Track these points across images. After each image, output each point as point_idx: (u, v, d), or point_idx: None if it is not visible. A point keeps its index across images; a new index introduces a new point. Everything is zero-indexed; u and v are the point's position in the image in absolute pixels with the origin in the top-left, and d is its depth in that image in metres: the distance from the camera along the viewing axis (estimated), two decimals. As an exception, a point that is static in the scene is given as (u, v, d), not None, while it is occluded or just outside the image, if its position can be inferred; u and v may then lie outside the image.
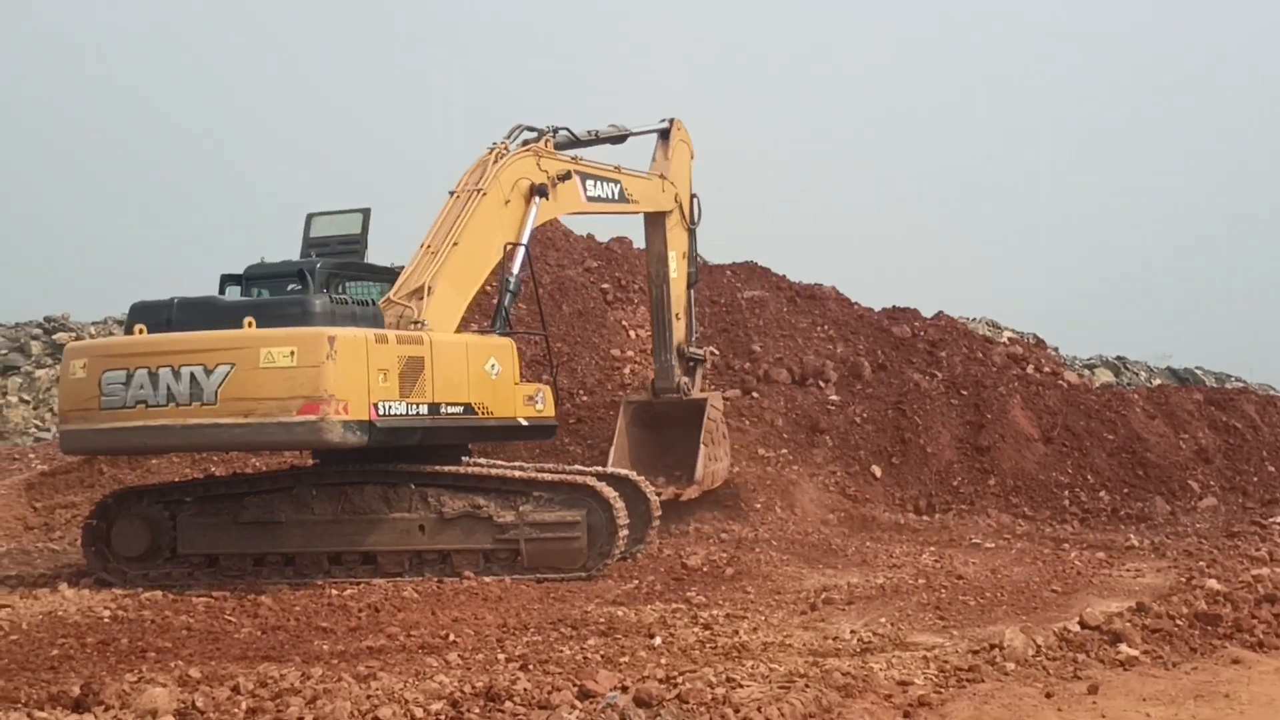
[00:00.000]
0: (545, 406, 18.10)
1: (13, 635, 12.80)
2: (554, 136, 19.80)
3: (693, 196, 22.98)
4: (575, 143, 20.39)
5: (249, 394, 15.27)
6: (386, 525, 16.59)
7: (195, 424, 15.45)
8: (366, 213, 18.28)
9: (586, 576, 16.39)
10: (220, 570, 16.73)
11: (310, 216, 18.42)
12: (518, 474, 17.14)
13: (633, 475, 18.95)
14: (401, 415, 15.93)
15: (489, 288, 19.71)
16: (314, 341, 15.30)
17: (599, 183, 20.29)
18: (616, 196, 20.74)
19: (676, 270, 22.59)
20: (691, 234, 23.02)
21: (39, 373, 42.45)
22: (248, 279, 17.38)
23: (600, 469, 19.12)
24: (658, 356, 22.78)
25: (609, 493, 16.79)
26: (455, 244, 17.60)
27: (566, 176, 19.42)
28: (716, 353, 26.70)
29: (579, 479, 17.05)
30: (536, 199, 18.72)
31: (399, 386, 15.91)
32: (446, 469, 16.92)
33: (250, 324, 15.50)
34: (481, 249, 17.99)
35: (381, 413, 15.65)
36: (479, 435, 18.04)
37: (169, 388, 15.49)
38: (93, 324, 45.99)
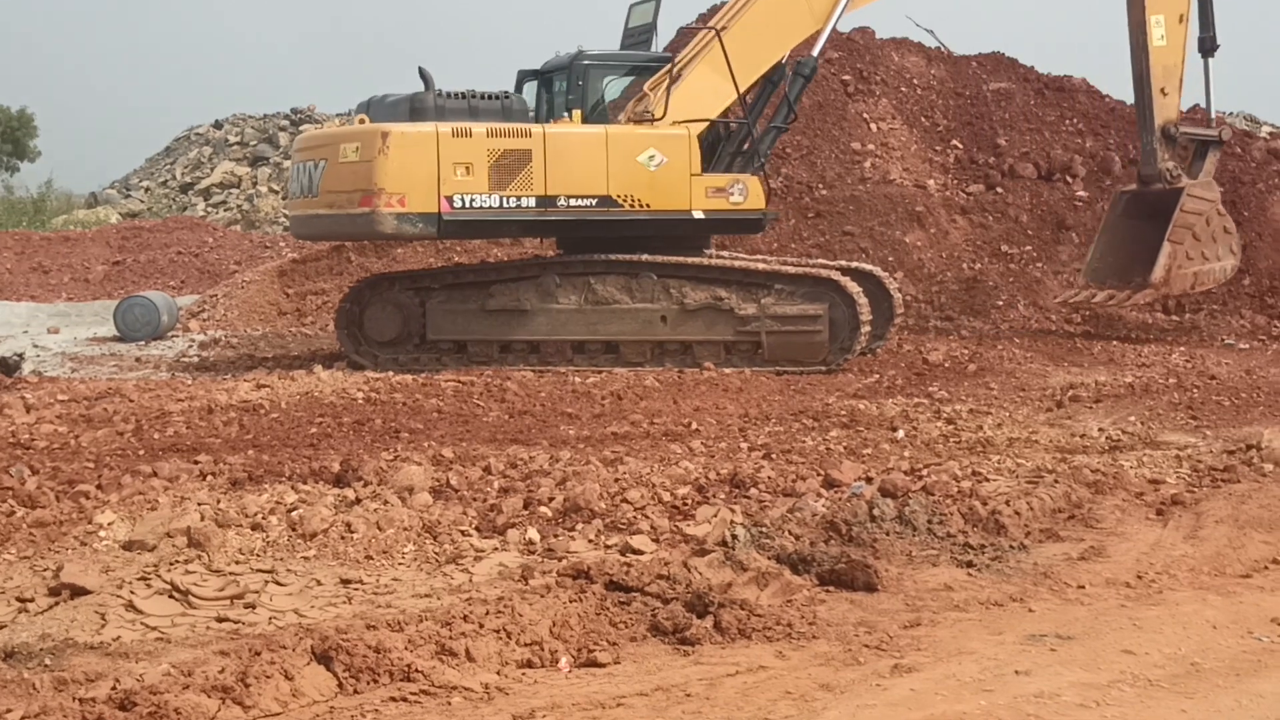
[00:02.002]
0: (747, 199, 17.44)
1: (273, 414, 13.29)
2: None
3: None
4: None
5: (332, 187, 16.50)
6: (629, 315, 16.83)
7: (309, 214, 16.93)
8: (658, 1, 18.25)
9: (827, 371, 16.36)
10: (468, 356, 17.12)
11: (631, 6, 18.80)
12: (760, 266, 17.09)
13: (876, 271, 18.76)
14: (492, 208, 16.48)
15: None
16: (370, 138, 16.30)
17: None
18: None
19: (1165, 38, 20.04)
20: None
21: (287, 163, 43.55)
22: (539, 75, 18.26)
23: (844, 263, 19.02)
24: (1141, 138, 20.89)
25: (852, 287, 16.63)
26: (724, 27, 17.54)
27: None
28: (960, 146, 26.02)
29: (822, 273, 16.92)
30: None
31: (490, 179, 16.38)
32: (689, 260, 16.97)
33: (362, 120, 16.57)
34: (769, 30, 17.64)
35: (458, 205, 16.31)
36: (634, 228, 17.33)
37: (305, 180, 16.90)
38: (337, 115, 46.85)
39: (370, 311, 17.36)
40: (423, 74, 17.08)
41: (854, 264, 19.26)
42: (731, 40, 17.34)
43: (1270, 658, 6.28)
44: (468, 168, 16.39)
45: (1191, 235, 20.00)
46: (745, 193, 17.35)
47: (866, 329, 16.74)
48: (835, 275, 16.84)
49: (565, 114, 17.42)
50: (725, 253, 18.98)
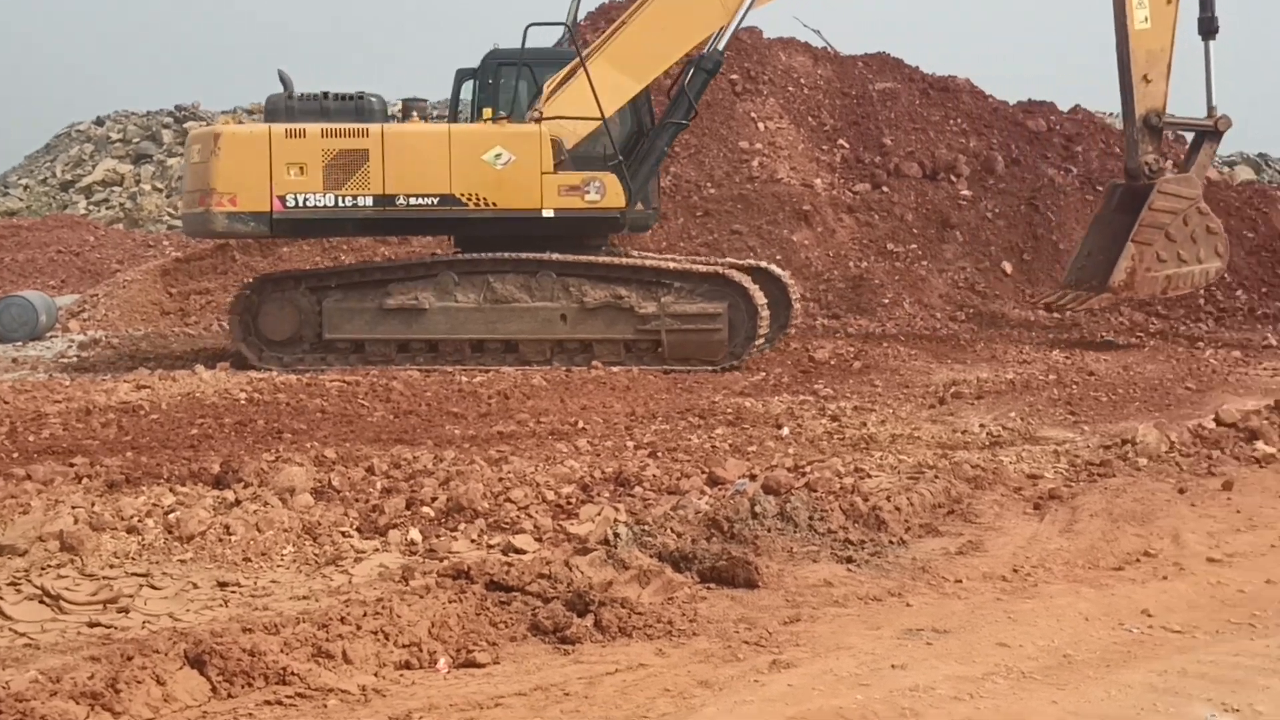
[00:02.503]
0: (605, 197, 17.10)
1: (153, 415, 13.11)
2: None
3: None
4: None
5: (185, 186, 17.72)
6: (528, 314, 16.82)
7: (183, 211, 18.34)
8: None
9: (727, 369, 16.41)
10: (365, 356, 17.01)
11: None
12: (660, 265, 17.13)
13: (774, 268, 18.88)
14: (326, 208, 16.76)
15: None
16: (206, 140, 17.01)
17: None
18: None
19: (1149, 20, 18.86)
20: None
21: (170, 161, 42.96)
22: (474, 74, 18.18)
23: (740, 261, 19.14)
24: (1125, 129, 20.06)
25: (750, 285, 16.71)
26: (625, 21, 17.59)
27: None
28: (846, 145, 26.24)
29: (721, 271, 16.98)
30: None
31: (324, 179, 16.69)
32: (586, 259, 17.02)
33: (226, 121, 16.79)
34: (675, 24, 17.48)
35: (290, 205, 16.70)
36: (478, 228, 17.47)
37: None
38: (222, 113, 46.26)
39: (265, 311, 17.19)
40: (281, 77, 17.44)
41: (751, 262, 19.38)
42: (634, 34, 17.32)
43: (1139, 648, 6.39)
44: (301, 168, 16.68)
45: (1164, 235, 18.96)
46: (602, 191, 17.06)
47: (765, 328, 16.83)
48: (734, 274, 16.90)
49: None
50: (643, 253, 19.03)
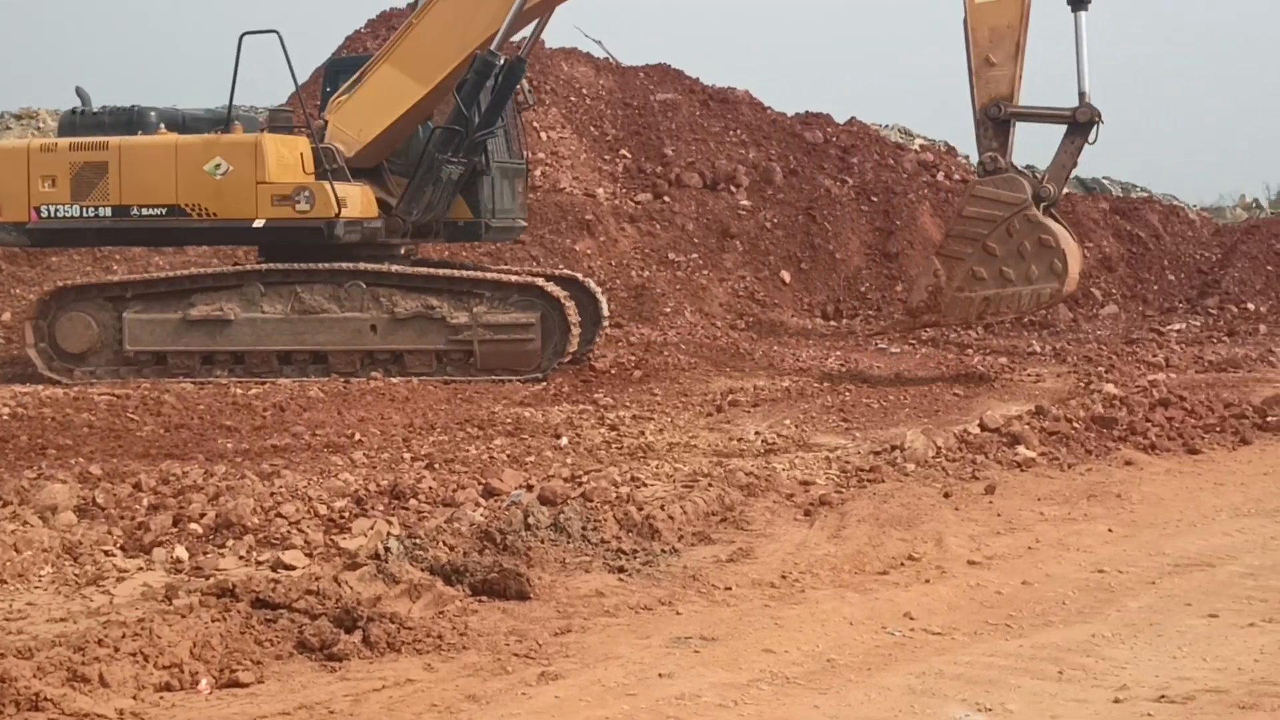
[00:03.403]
0: (314, 207, 16.54)
1: (-91, 432, 12.61)
2: None
3: None
4: None
5: None
6: (338, 325, 16.53)
7: None
8: None
9: (541, 379, 16.33)
10: (168, 369, 16.58)
11: None
12: (470, 275, 17.01)
13: (588, 282, 18.88)
14: (72, 218, 16.87)
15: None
16: None
17: None
18: None
19: None
20: None
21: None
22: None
23: (551, 271, 19.12)
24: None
25: (561, 294, 16.67)
26: (412, 22, 17.32)
27: None
28: (628, 155, 26.45)
29: (531, 280, 16.92)
30: None
31: (70, 191, 16.80)
32: (398, 269, 16.82)
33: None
34: (451, 26, 17.06)
35: (44, 215, 16.87)
36: (201, 238, 17.86)
37: None
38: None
39: (62, 324, 16.70)
40: (79, 93, 17.66)
41: (564, 272, 19.41)
42: (417, 37, 17.10)
43: (900, 651, 6.57)
44: (53, 180, 16.83)
45: (983, 249, 16.01)
46: (311, 200, 16.54)
47: (576, 335, 16.79)
48: (542, 283, 16.84)
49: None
50: (480, 265, 18.87)
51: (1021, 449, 11.41)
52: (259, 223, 16.66)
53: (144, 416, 13.61)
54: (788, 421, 13.51)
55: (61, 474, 10.22)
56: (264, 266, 17.14)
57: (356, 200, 16.91)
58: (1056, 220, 16.59)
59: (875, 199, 26.03)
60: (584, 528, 8.38)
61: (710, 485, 9.89)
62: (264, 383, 15.94)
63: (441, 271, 17.26)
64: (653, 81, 28.80)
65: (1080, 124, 16.29)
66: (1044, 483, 10.49)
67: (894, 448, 11.45)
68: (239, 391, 15.31)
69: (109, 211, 16.79)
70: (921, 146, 31.35)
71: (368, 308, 16.53)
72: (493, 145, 17.72)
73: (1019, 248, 15.84)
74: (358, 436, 12.51)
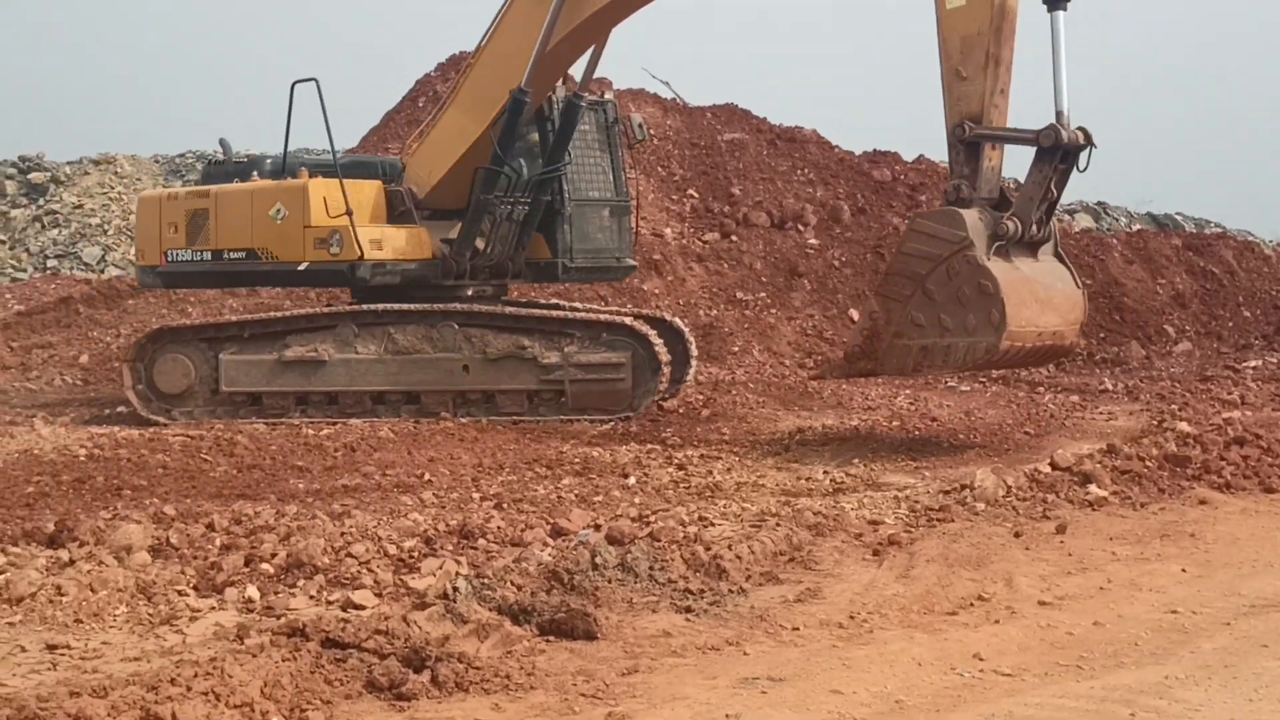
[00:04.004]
0: (343, 250, 16.78)
1: (-12, 473, 12.81)
2: None
3: None
4: None
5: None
6: (430, 365, 16.66)
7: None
8: None
9: (631, 417, 16.30)
10: (264, 409, 16.76)
11: None
12: (562, 315, 17.08)
13: (676, 321, 18.85)
14: (186, 261, 17.78)
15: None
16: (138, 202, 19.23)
17: None
18: None
19: None
20: None
21: (14, 213, 42.11)
22: None
23: (641, 310, 19.15)
24: None
25: (650, 333, 16.67)
26: (471, 63, 17.42)
27: None
28: (696, 195, 26.51)
29: (621, 319, 16.95)
30: None
31: (185, 236, 17.74)
32: (490, 309, 16.94)
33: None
34: (509, 62, 16.86)
35: (169, 259, 17.87)
36: (268, 280, 18.81)
37: None
38: (68, 164, 45.49)
39: (159, 365, 16.93)
40: (221, 143, 18.86)
41: (651, 312, 19.45)
42: (474, 76, 17.18)
43: (969, 692, 6.52)
44: (175, 226, 17.73)
45: (920, 290, 13.70)
46: (341, 244, 16.77)
47: (666, 373, 16.77)
48: (635, 322, 16.84)
49: None
50: (558, 302, 18.86)
51: (1093, 488, 11.30)
52: (302, 266, 17.04)
53: (217, 457, 13.77)
54: (856, 460, 13.46)
55: (136, 514, 10.35)
56: (358, 307, 17.28)
57: (399, 242, 17.08)
58: (1031, 260, 14.01)
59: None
60: (651, 567, 8.39)
61: (778, 525, 9.87)
62: (334, 423, 16.08)
63: (532, 311, 17.29)
64: (720, 121, 28.89)
65: (1046, 149, 13.62)
66: (1116, 522, 10.39)
67: (964, 487, 11.37)
68: (310, 432, 15.45)
69: (209, 255, 17.49)
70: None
71: (460, 348, 16.63)
72: (570, 183, 17.70)
73: (958, 293, 13.43)
74: (427, 476, 12.60)
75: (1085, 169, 13.95)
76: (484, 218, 17.20)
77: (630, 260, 19.00)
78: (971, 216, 13.51)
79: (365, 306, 17.18)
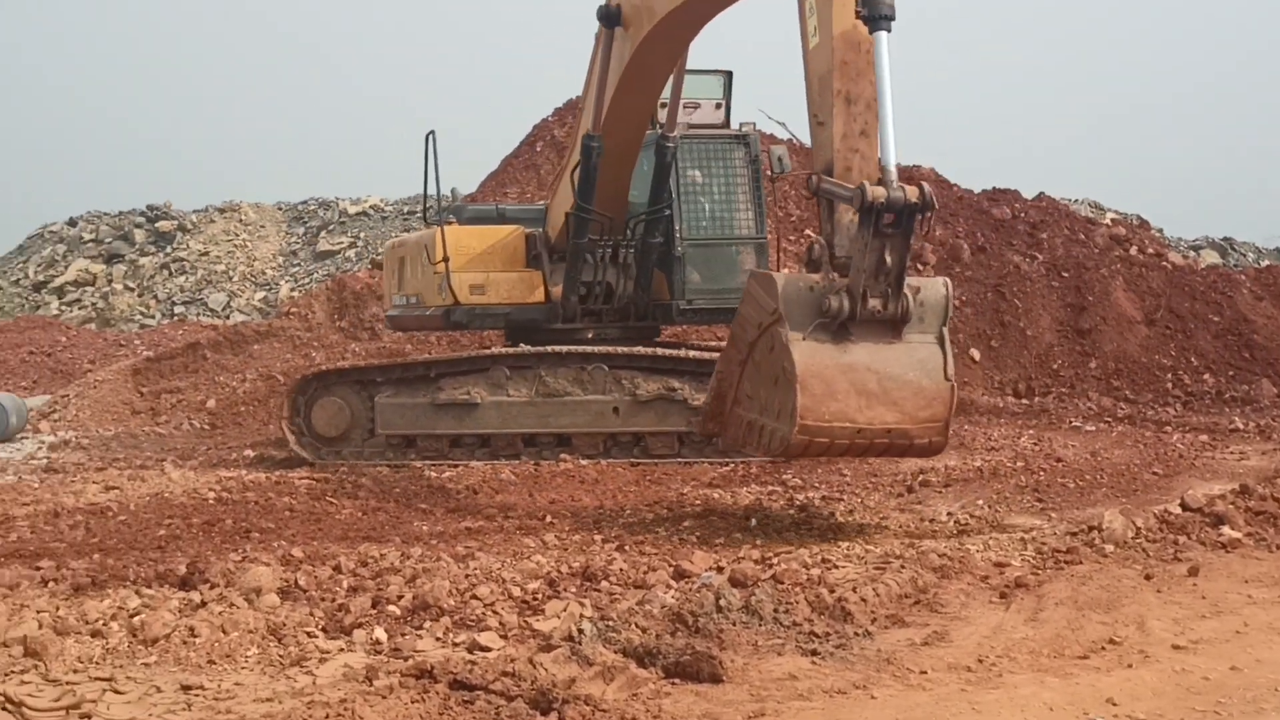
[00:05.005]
0: (443, 294, 17.31)
1: (120, 516, 13.07)
2: None
3: None
4: None
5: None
6: (581, 407, 16.77)
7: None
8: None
9: (784, 459, 16.12)
10: (418, 451, 16.95)
11: None
12: (710, 357, 16.95)
13: None
14: (398, 305, 18.94)
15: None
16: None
17: None
18: None
19: (815, 29, 11.78)
20: None
21: (143, 260, 43.12)
22: None
23: None
24: None
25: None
26: (582, 105, 17.48)
27: None
28: (813, 235, 26.41)
29: None
30: (606, 31, 15.81)
31: (398, 282, 18.99)
32: (641, 351, 17.00)
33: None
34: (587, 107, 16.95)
35: (394, 303, 19.15)
36: (420, 324, 19.19)
37: None
38: (194, 212, 46.51)
39: (317, 408, 17.16)
40: (452, 193, 19.40)
41: None
42: (581, 121, 17.21)
43: (1103, 737, 6.41)
44: (393, 271, 19.17)
45: (751, 359, 11.94)
46: (444, 288, 17.27)
47: None
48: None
49: None
50: (679, 343, 18.89)
51: (1226, 529, 11.06)
52: (429, 311, 17.73)
53: (342, 500, 13.95)
54: (980, 502, 13.31)
55: (265, 556, 10.50)
56: (509, 350, 17.43)
57: (506, 286, 17.35)
58: (885, 343, 11.41)
59: (1066, 275, 25.64)
60: (776, 610, 8.35)
61: (903, 567, 9.78)
62: (456, 465, 16.21)
63: (682, 353, 17.24)
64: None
65: (864, 211, 11.01)
66: (1251, 564, 10.16)
67: (1091, 528, 11.19)
68: (433, 475, 15.61)
69: (403, 300, 18.53)
70: (1113, 220, 30.91)
71: (610, 390, 16.73)
72: (694, 220, 17.70)
73: (774, 370, 11.51)
74: (549, 518, 12.66)
75: (926, 233, 12.04)
76: (582, 262, 17.30)
77: None
78: (792, 285, 11.38)
79: (516, 349, 17.31)
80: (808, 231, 26.19)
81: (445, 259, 17.03)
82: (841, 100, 11.51)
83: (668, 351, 17.13)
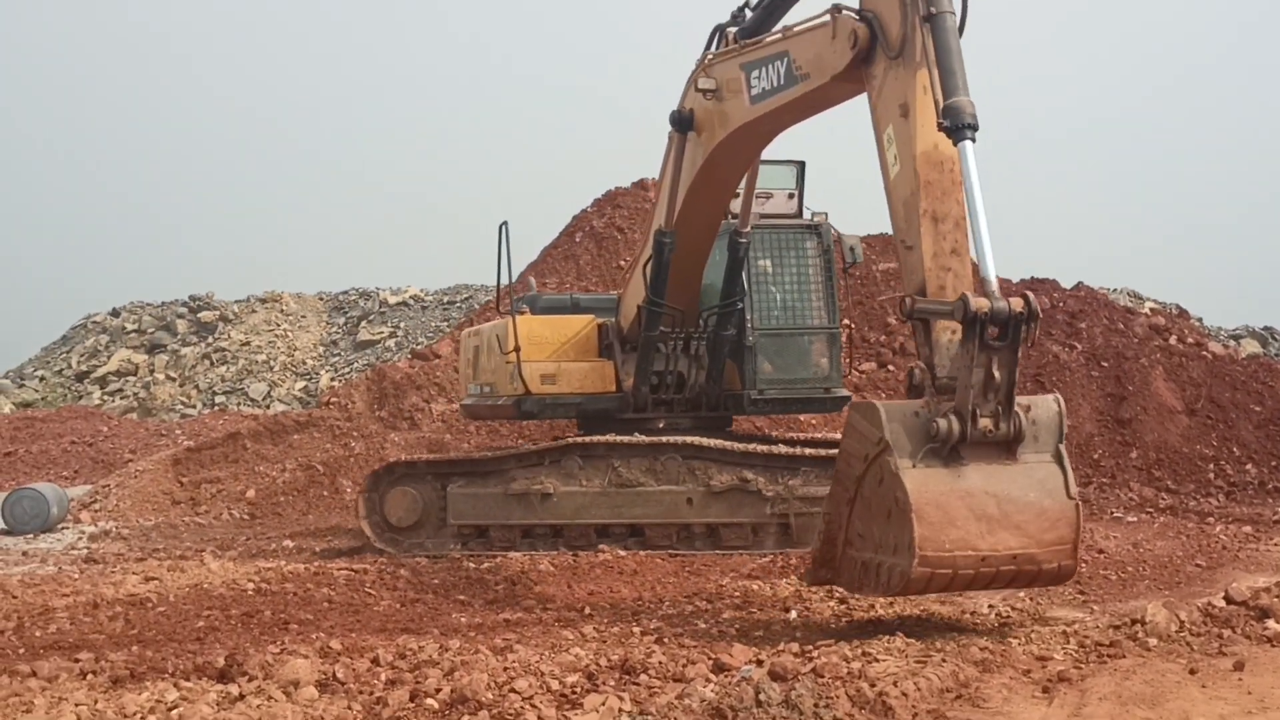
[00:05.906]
0: (515, 383, 17.40)
1: (160, 607, 13.11)
2: (742, 16, 15.05)
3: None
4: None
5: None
6: (654, 498, 16.75)
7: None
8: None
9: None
10: (490, 541, 16.95)
11: None
12: (784, 450, 16.95)
13: None
14: (473, 394, 18.99)
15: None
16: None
17: (762, 69, 13.59)
18: (781, 81, 13.27)
19: (895, 157, 11.55)
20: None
21: (184, 350, 43.46)
22: None
23: None
24: None
25: None
26: (655, 200, 17.55)
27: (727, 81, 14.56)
28: (851, 325, 26.47)
29: None
30: (679, 135, 15.68)
31: (473, 371, 19.05)
32: (713, 443, 16.90)
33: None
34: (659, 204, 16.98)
35: (469, 393, 19.26)
36: (492, 413, 18.98)
37: None
38: (236, 302, 46.89)
39: (390, 498, 17.20)
40: (528, 282, 20.56)
41: None
42: (654, 217, 17.13)
43: (1149, 836, 6.32)
44: (470, 362, 19.42)
45: (859, 495, 11.25)
46: (516, 378, 17.31)
47: None
48: None
49: None
50: (752, 435, 18.83)
51: (1272, 623, 10.92)
52: (501, 400, 17.72)
53: (380, 591, 13.95)
54: (1022, 594, 13.18)
55: (303, 649, 10.48)
56: (581, 440, 17.35)
57: (577, 376, 17.37)
58: (1000, 464, 10.82)
59: (1105, 364, 25.54)
60: (816, 705, 8.29)
61: (944, 660, 9.69)
62: (495, 556, 16.20)
63: (756, 446, 17.12)
64: (874, 251, 28.86)
65: (967, 325, 10.53)
66: (1297, 659, 10.04)
67: (1134, 621, 11.07)
68: (471, 565, 15.60)
69: (477, 389, 18.65)
70: (1152, 310, 30.83)
71: (684, 481, 16.71)
72: (766, 311, 17.69)
73: (885, 503, 10.86)
74: (588, 610, 12.63)
75: (1031, 344, 11.03)
76: (654, 353, 17.32)
77: (841, 390, 18.02)
78: (897, 411, 10.87)
79: (588, 439, 17.25)
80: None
81: (516, 348, 17.14)
82: (929, 220, 11.24)
83: (743, 447, 16.95)
